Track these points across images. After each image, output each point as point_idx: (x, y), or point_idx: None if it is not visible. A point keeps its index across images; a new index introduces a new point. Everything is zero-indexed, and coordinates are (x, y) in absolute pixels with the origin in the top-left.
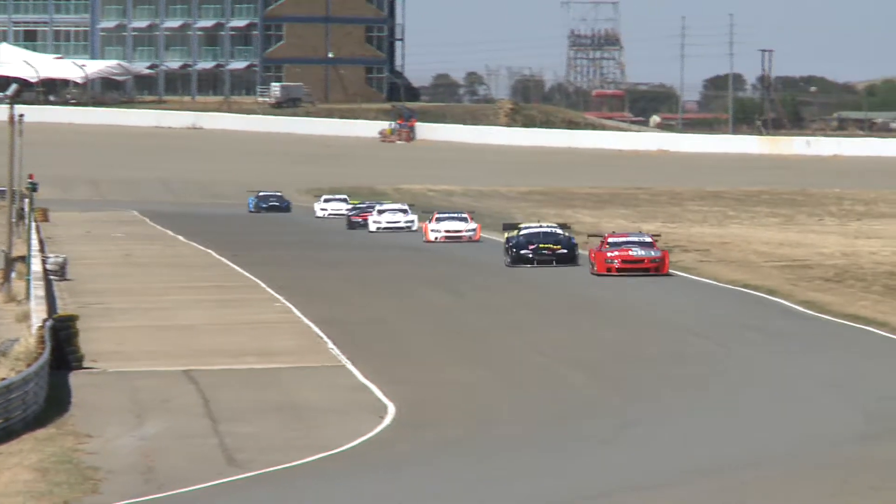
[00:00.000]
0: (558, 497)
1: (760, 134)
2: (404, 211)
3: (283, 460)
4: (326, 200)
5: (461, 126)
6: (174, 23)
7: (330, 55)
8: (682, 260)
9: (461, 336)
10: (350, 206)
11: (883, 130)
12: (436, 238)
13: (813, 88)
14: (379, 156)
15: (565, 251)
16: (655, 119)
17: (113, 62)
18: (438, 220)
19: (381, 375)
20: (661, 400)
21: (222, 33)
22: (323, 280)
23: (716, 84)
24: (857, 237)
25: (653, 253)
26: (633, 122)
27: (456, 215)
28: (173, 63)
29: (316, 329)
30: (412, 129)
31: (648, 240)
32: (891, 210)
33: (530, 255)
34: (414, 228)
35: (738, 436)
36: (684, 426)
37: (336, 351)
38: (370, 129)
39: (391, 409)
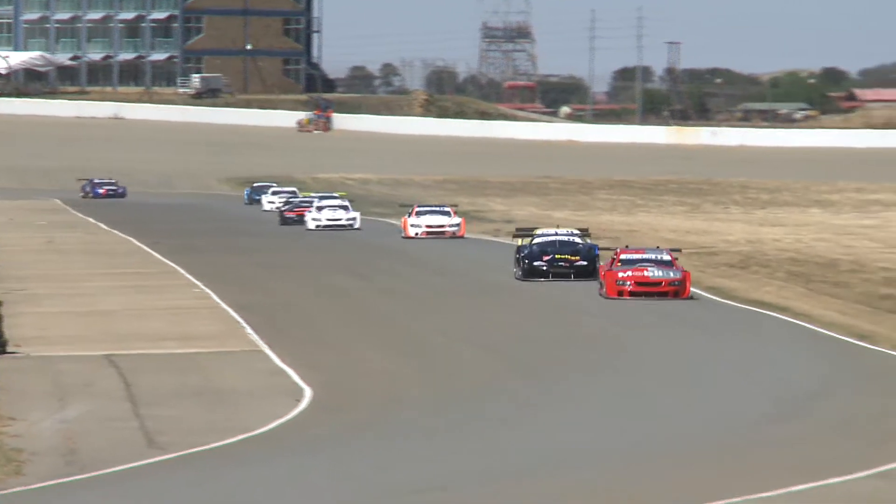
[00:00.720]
0: (461, 476)
1: (668, 124)
2: (345, 207)
3: (203, 442)
4: (275, 193)
5: (377, 116)
6: (96, 15)
7: (248, 47)
8: None
9: (372, 321)
10: (286, 200)
11: (786, 121)
12: (416, 234)
13: (719, 80)
14: (297, 145)
15: (585, 263)
16: (566, 110)
17: (36, 54)
18: (419, 213)
19: (297, 360)
20: (563, 382)
21: (143, 25)
22: (240, 266)
23: (624, 76)
24: (762, 225)
25: (672, 274)
26: (544, 113)
27: (438, 209)
28: (95, 54)
29: (234, 314)
30: (329, 119)
31: (667, 258)
32: (794, 198)
33: (545, 268)
34: (357, 226)
35: (639, 419)
36: (585, 409)
37: (254, 336)
38: (288, 119)
39: (308, 393)
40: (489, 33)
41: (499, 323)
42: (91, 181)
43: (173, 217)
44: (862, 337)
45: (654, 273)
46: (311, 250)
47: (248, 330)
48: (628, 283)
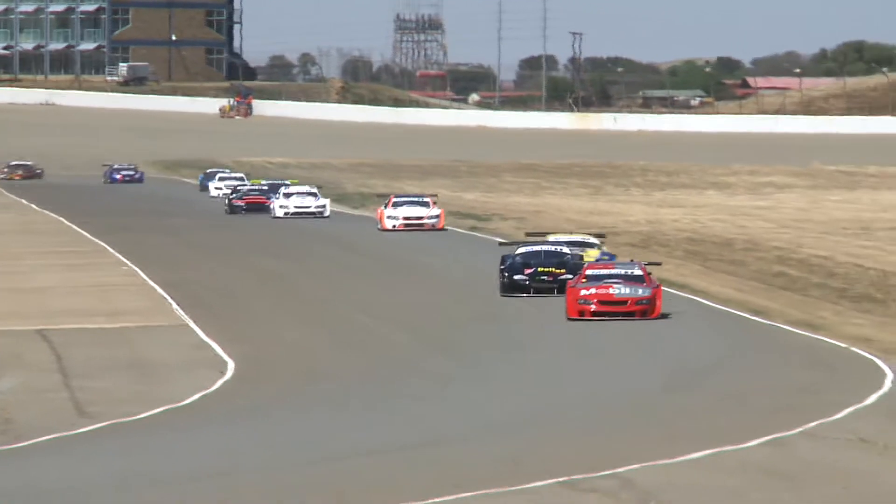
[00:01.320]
0: (373, 447)
1: (571, 111)
2: (314, 194)
3: (132, 412)
4: (221, 178)
5: (295, 103)
6: (28, 6)
7: (173, 37)
8: (500, 227)
9: (296, 300)
10: (236, 187)
11: (683, 107)
12: (393, 226)
13: (620, 69)
14: (219, 130)
15: (571, 277)
16: (474, 97)
17: None
18: (396, 205)
19: (222, 334)
20: (478, 359)
21: (73, 17)
22: (168, 246)
23: (530, 64)
24: (661, 206)
25: (640, 291)
26: (454, 100)
27: (416, 199)
28: (27, 44)
29: (161, 291)
30: (250, 105)
31: (638, 272)
32: (691, 181)
33: (526, 282)
34: (326, 214)
35: (545, 392)
36: (497, 384)
37: (180, 312)
38: (211, 105)
39: (231, 366)
40: (402, 25)
41: (421, 303)
42: (111, 167)
43: (105, 199)
44: (756, 312)
45: (620, 291)
46: (237, 232)
47: (175, 306)
48: (592, 302)
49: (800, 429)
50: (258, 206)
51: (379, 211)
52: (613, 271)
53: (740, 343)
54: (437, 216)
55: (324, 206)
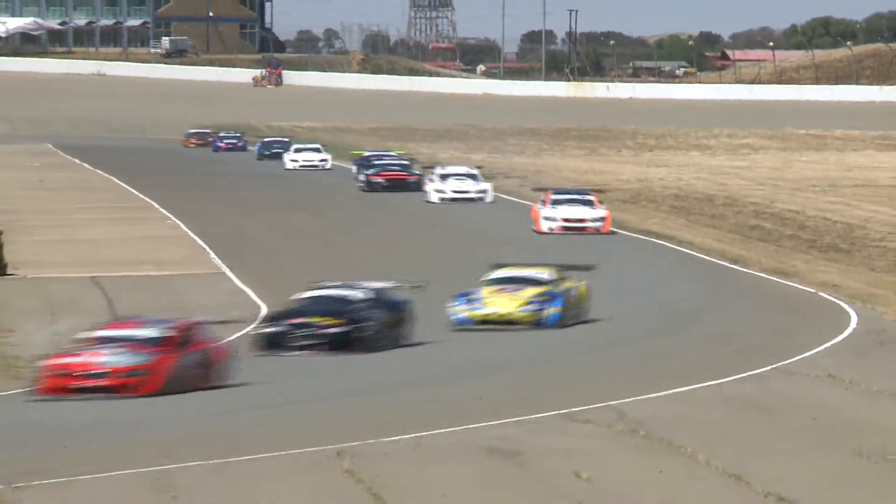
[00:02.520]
0: (382, 385)
1: (568, 80)
2: (473, 177)
3: None
4: (297, 150)
5: (320, 73)
6: None
7: (210, 14)
8: (505, 185)
9: (321, 249)
10: (357, 161)
11: (669, 77)
12: (550, 229)
13: (612, 42)
14: (252, 98)
15: (347, 330)
16: (481, 68)
17: (29, 20)
18: (555, 203)
19: (255, 281)
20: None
21: None
22: (207, 203)
23: (531, 38)
24: (649, 166)
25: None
26: (462, 71)
27: (578, 197)
28: (80, 20)
29: (200, 242)
30: (279, 76)
31: (590, 197)
32: (676, 143)
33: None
34: (488, 199)
35: (545, 333)
36: (511, 331)
37: (218, 261)
38: (244, 76)
39: (263, 309)
40: (416, 3)
41: (432, 249)
42: (217, 135)
43: (156, 160)
44: (735, 261)
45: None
46: (277, 191)
47: (212, 255)
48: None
49: (774, 366)
50: (401, 184)
51: (533, 209)
52: (571, 197)
53: (720, 288)
54: (603, 219)
55: (485, 190)
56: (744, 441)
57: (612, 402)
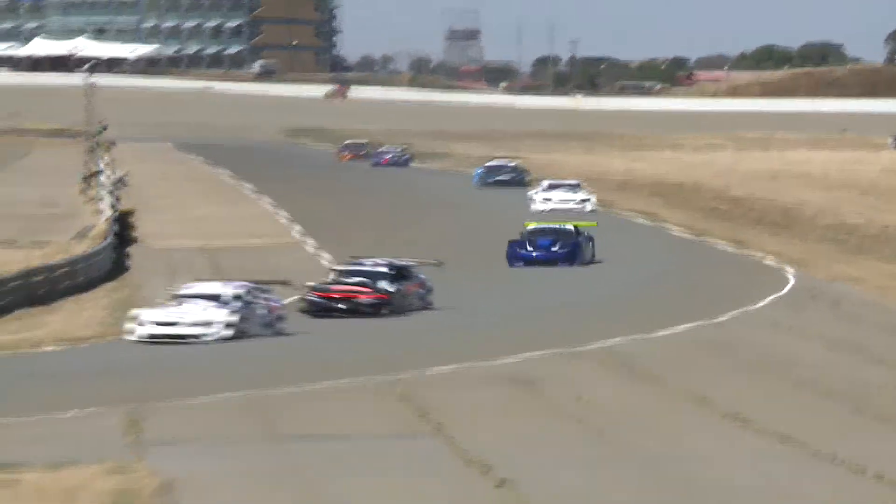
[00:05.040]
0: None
1: (570, 95)
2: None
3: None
4: (550, 188)
5: (378, 89)
6: (193, 22)
7: (292, 45)
8: None
9: (381, 225)
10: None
11: (648, 92)
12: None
13: (604, 65)
14: (324, 110)
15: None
16: (503, 85)
17: (152, 48)
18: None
19: (328, 249)
20: (515, 275)
21: (223, 29)
22: (296, 192)
23: (541, 62)
24: (633, 161)
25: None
26: (487, 87)
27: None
28: (192, 48)
29: (285, 222)
30: (346, 92)
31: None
32: (654, 143)
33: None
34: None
35: (554, 290)
36: (526, 287)
37: (298, 236)
38: (319, 91)
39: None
40: (452, 34)
41: (476, 227)
42: (379, 149)
43: (255, 158)
44: (701, 234)
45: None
46: (353, 184)
47: (294, 231)
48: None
49: (731, 314)
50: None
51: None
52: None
53: (689, 254)
54: (584, 201)
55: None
56: (707, 373)
57: (605, 343)
